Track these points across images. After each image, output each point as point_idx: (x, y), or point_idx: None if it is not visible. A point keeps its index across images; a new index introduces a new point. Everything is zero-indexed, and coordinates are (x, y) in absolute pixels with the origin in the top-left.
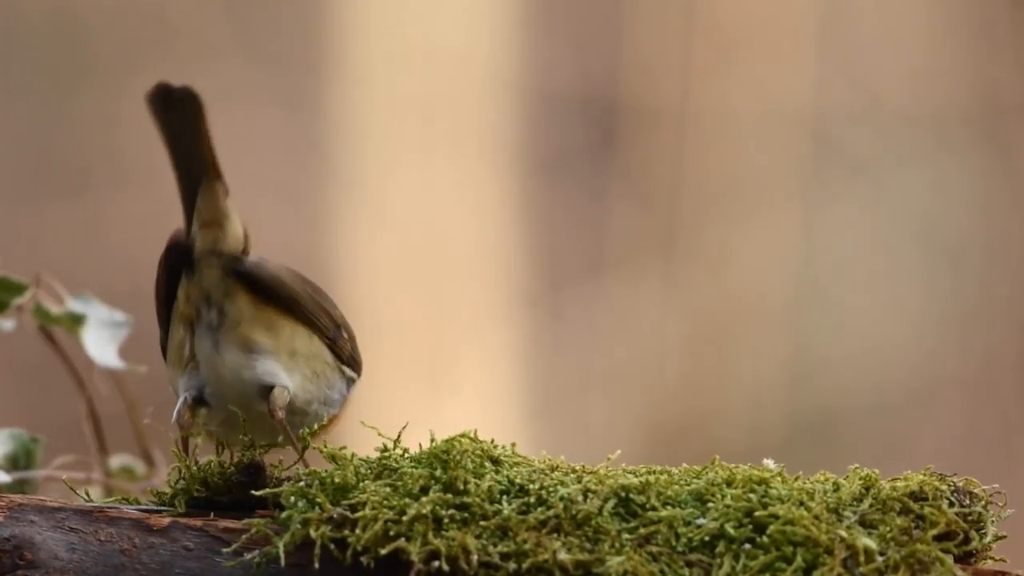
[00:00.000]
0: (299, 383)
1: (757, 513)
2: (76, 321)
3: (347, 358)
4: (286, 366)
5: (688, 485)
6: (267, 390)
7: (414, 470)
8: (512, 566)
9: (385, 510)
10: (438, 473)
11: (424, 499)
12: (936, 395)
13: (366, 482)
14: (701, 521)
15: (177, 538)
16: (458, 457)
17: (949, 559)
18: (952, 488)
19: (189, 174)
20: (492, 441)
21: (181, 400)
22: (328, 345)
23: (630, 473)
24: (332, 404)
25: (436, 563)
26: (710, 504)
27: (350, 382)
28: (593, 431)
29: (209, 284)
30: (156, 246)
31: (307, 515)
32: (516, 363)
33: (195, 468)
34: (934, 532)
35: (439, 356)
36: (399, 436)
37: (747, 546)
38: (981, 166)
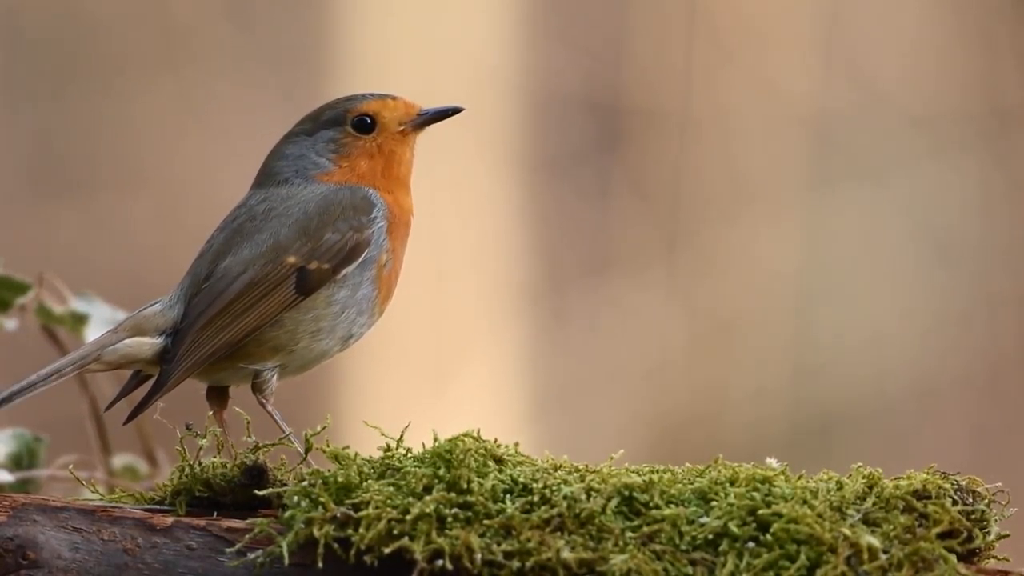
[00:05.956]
0: (304, 347)
1: (760, 511)
2: (79, 320)
3: (332, 271)
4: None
5: (691, 484)
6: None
7: (417, 469)
8: (516, 564)
9: (388, 509)
10: (441, 472)
11: (427, 498)
12: (939, 394)
13: (369, 481)
14: (704, 519)
15: (180, 537)
16: (461, 456)
17: (952, 557)
18: (955, 486)
19: None
20: (495, 440)
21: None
22: (295, 298)
23: (633, 472)
24: (357, 305)
25: (440, 562)
26: (713, 503)
27: (363, 264)
28: (596, 430)
29: None
30: (157, 245)
31: (310, 514)
32: (519, 362)
33: (198, 468)
34: (937, 530)
35: (442, 356)
36: (402, 436)
37: (751, 544)
38: (984, 166)
